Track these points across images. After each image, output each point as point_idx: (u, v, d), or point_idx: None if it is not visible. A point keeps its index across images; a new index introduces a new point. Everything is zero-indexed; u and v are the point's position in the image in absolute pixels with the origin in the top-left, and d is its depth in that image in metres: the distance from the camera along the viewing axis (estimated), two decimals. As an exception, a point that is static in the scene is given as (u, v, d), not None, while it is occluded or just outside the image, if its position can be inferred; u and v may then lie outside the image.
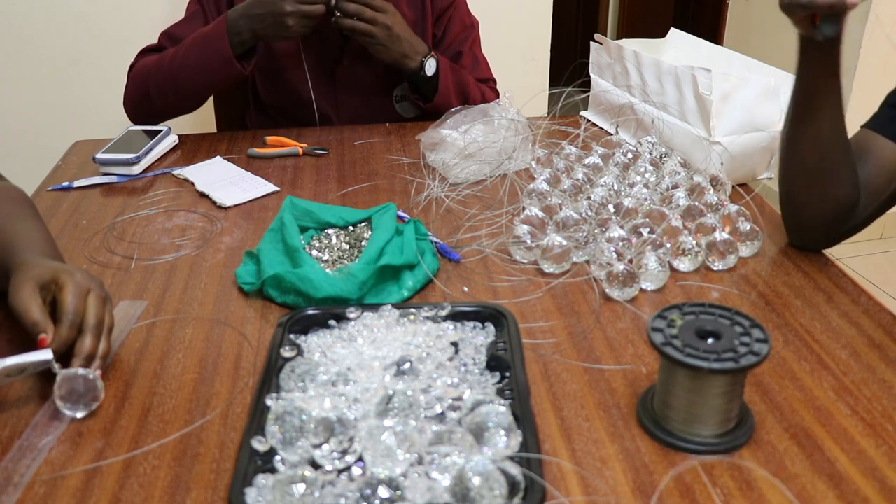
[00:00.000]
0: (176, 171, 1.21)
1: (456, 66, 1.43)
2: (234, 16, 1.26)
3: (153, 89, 1.32)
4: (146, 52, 1.39)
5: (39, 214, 0.90)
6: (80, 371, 0.67)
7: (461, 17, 1.47)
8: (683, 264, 0.90)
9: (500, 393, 0.67)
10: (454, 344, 0.72)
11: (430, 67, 1.35)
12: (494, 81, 1.55)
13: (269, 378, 0.68)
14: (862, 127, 0.94)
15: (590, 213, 0.97)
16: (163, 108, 1.34)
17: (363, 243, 0.93)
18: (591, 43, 1.39)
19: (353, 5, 1.26)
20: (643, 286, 0.86)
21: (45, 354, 0.67)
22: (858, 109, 1.01)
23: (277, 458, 0.59)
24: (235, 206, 1.10)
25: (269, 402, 0.63)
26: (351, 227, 0.98)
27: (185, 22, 1.39)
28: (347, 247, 0.94)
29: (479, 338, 0.74)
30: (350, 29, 1.28)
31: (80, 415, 0.67)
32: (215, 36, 1.27)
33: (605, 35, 1.51)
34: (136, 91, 1.35)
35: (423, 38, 1.42)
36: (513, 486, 0.55)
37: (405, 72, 1.36)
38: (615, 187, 1.03)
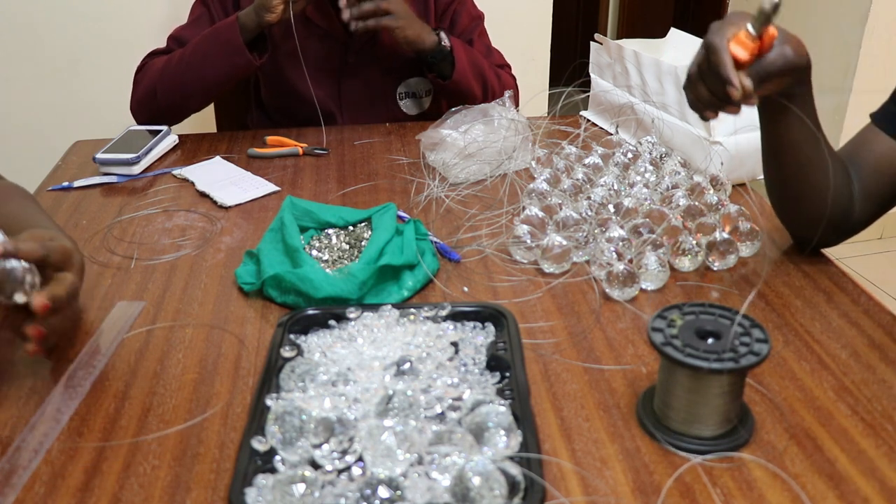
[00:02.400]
0: (176, 171, 1.21)
1: (466, 44, 1.43)
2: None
3: (160, 88, 1.32)
4: (154, 54, 1.39)
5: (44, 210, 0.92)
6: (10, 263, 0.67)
7: (468, 9, 1.48)
8: (683, 264, 0.90)
9: (500, 393, 0.67)
10: (454, 344, 0.72)
11: (445, 38, 1.35)
12: (510, 67, 1.54)
13: (269, 378, 0.68)
14: (870, 115, 0.93)
15: (590, 213, 0.97)
16: (167, 106, 1.34)
17: (363, 243, 0.93)
18: (591, 43, 1.39)
19: (369, 4, 1.26)
20: (643, 286, 0.86)
21: None
22: (858, 109, 1.02)
23: (277, 458, 0.59)
24: (235, 206, 1.10)
25: (269, 402, 0.63)
26: (351, 227, 0.98)
27: (192, 24, 1.40)
28: (347, 247, 0.94)
29: (479, 338, 0.74)
30: (374, 28, 1.28)
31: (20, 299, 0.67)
32: (226, 27, 1.28)
33: (605, 35, 1.51)
34: (142, 91, 1.35)
35: None
36: (513, 486, 0.55)
37: (426, 50, 1.34)
38: (615, 187, 1.03)
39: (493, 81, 1.43)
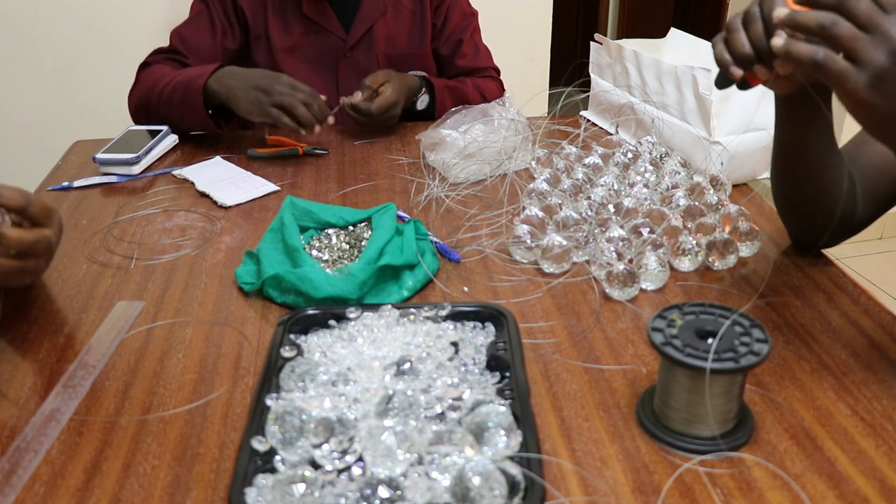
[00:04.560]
0: (176, 171, 1.21)
1: (452, 83, 1.45)
2: (220, 76, 1.24)
3: (151, 107, 1.32)
4: (158, 53, 1.40)
5: None
6: None
7: (461, 6, 1.50)
8: (683, 264, 0.90)
9: (500, 393, 0.67)
10: (454, 344, 0.72)
11: (422, 103, 1.41)
12: (497, 71, 1.55)
13: (269, 378, 0.68)
14: None
15: (590, 213, 0.97)
16: (157, 122, 1.35)
17: (363, 243, 0.93)
18: (591, 43, 1.39)
19: (365, 104, 1.29)
20: (643, 286, 0.86)
21: None
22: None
23: (277, 458, 0.59)
24: (235, 206, 1.10)
25: (269, 402, 0.63)
26: (351, 227, 0.98)
27: (192, 21, 1.40)
28: (347, 247, 0.94)
29: (479, 338, 0.74)
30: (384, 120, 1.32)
31: None
32: (194, 92, 1.24)
33: (605, 35, 1.52)
34: (136, 100, 1.36)
35: (423, 28, 1.44)
36: (513, 486, 0.55)
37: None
38: (615, 187, 1.03)
39: (477, 102, 1.45)
